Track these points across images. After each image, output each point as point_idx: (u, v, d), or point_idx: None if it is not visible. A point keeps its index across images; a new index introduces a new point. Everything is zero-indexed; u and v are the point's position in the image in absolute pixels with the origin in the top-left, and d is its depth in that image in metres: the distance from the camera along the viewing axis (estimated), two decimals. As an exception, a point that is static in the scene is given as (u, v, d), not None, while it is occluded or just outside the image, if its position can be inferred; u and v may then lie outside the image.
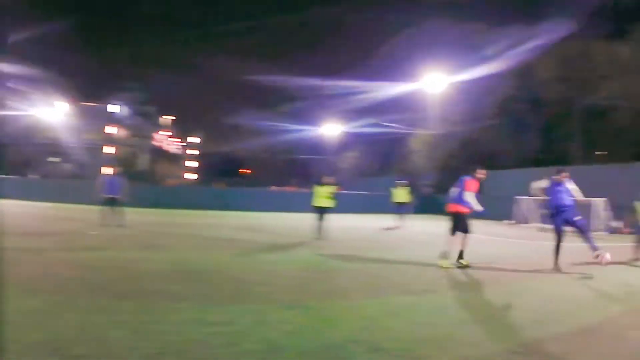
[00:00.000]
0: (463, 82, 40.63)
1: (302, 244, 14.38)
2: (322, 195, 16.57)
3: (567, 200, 10.99)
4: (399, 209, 23.01)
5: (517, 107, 40.40)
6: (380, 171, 55.75)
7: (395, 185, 23.52)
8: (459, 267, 11.03)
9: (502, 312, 6.86)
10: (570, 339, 5.65)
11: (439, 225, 25.10)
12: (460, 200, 11.43)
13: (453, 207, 11.57)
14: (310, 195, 16.93)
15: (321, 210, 16.50)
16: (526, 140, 41.07)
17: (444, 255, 11.25)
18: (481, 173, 11.80)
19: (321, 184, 16.74)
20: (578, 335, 5.85)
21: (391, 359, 4.71)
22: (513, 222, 27.14)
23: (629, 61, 34.19)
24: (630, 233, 21.00)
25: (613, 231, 21.53)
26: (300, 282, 8.42)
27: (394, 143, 50.98)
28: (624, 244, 15.81)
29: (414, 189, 41.03)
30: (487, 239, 18.36)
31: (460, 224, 11.49)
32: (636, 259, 12.45)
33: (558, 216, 10.78)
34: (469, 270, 10.61)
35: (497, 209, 29.38)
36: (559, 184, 11.11)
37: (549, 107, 39.10)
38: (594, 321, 6.59)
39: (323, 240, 15.59)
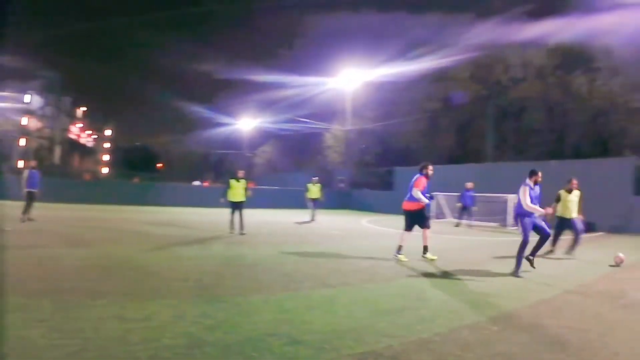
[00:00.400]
0: (379, 80, 41.17)
1: (218, 239, 14.26)
2: (238, 190, 16.44)
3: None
4: (312, 204, 23.19)
5: (432, 105, 41.39)
6: (294, 167, 55.89)
7: (310, 181, 23.66)
8: (425, 259, 11.64)
9: (418, 304, 6.95)
10: (486, 328, 5.85)
11: (353, 220, 25.56)
12: (412, 197, 11.78)
13: (409, 206, 11.94)
14: (226, 190, 16.73)
15: (236, 205, 16.37)
16: (441, 137, 42.20)
17: (400, 250, 11.63)
18: (431, 170, 12.19)
19: (236, 178, 16.59)
20: (495, 324, 6.03)
21: (310, 351, 4.75)
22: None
23: (542, 65, 35.69)
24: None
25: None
26: (218, 277, 8.33)
27: (309, 139, 51.23)
28: (536, 237, 16.45)
29: (328, 185, 41.56)
30: (400, 232, 18.70)
31: (420, 221, 11.97)
32: (550, 251, 12.95)
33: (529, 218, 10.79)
34: (386, 263, 10.87)
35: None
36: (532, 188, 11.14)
37: (463, 107, 40.26)
38: (510, 310, 6.85)
39: (239, 234, 15.47)
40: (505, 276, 9.82)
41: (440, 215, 27.29)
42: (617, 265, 11.76)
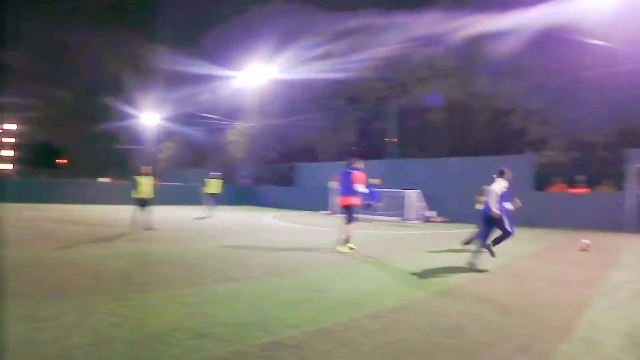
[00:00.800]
0: (284, 76, 41.24)
1: (123, 236, 13.93)
2: (144, 186, 16.17)
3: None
4: (211, 200, 23.16)
5: (337, 103, 41.96)
6: (197, 162, 55.06)
7: (209, 177, 23.57)
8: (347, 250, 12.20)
9: (321, 295, 7.15)
10: (386, 316, 6.09)
11: (256, 216, 25.58)
12: (351, 192, 12.42)
13: (345, 200, 12.55)
14: (130, 187, 16.40)
15: (142, 202, 16.09)
16: (344, 134, 42.88)
17: (340, 242, 12.43)
18: (360, 164, 12.79)
19: (142, 175, 16.29)
20: (395, 312, 6.27)
21: (216, 343, 4.83)
22: (329, 212, 28.17)
23: (446, 67, 36.83)
24: (442, 222, 22.98)
25: (427, 220, 23.30)
26: (124, 274, 8.19)
27: (213, 134, 50.60)
28: (436, 231, 17.29)
29: (231, 181, 41.31)
30: (303, 228, 19.15)
31: (349, 213, 12.52)
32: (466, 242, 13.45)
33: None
34: (289, 257, 11.13)
35: (314, 200, 30.60)
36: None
37: (367, 104, 41.05)
38: (410, 298, 7.12)
39: (144, 231, 15.21)
40: (407, 267, 10.13)
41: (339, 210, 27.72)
42: (584, 250, 13.25)
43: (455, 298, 7.28)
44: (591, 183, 23.92)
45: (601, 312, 6.59)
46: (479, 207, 12.76)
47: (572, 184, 22.68)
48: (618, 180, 22.57)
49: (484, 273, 9.54)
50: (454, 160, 26.03)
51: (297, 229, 18.71)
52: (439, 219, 23.45)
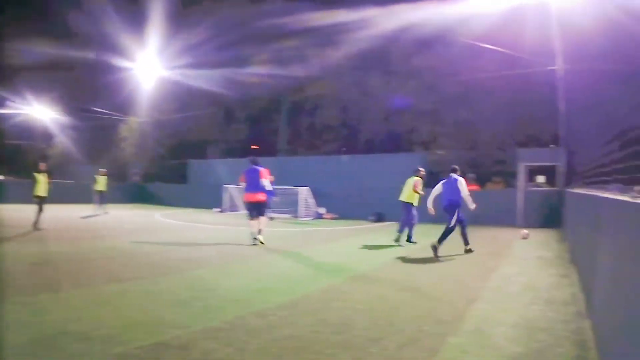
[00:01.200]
0: (177, 70, 40.37)
1: (9, 236, 13.17)
2: (42, 184, 15.47)
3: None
4: (100, 197, 22.48)
5: (228, 99, 41.51)
6: (89, 159, 52.84)
7: (98, 173, 22.83)
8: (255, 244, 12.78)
9: (208, 294, 7.04)
10: (273, 313, 6.06)
11: (147, 214, 24.92)
12: (259, 189, 13.11)
13: (253, 197, 13.18)
14: (28, 185, 15.61)
15: (40, 200, 15.37)
16: (235, 131, 42.60)
17: (254, 235, 13.02)
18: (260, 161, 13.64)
19: (39, 172, 15.56)
20: (282, 309, 6.23)
21: (101, 346, 4.69)
22: (220, 209, 27.86)
23: (337, 64, 37.17)
24: (332, 218, 23.22)
25: (318, 217, 23.49)
26: (8, 276, 7.75)
27: (105, 130, 48.74)
28: (328, 228, 17.51)
29: (122, 178, 40.09)
30: (194, 226, 18.83)
31: (260, 210, 13.27)
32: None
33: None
34: (177, 255, 11.01)
35: (207, 197, 30.21)
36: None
37: (258, 101, 40.91)
38: (299, 295, 7.08)
39: (35, 231, 14.49)
40: (297, 264, 10.18)
41: (233, 207, 27.42)
42: (524, 238, 14.79)
43: (344, 294, 7.28)
44: (482, 181, 24.84)
45: (491, 304, 6.73)
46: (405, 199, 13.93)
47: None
48: (508, 178, 23.62)
49: (372, 268, 9.68)
50: (344, 158, 26.39)
51: (188, 227, 18.39)
52: (329, 216, 23.68)
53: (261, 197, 13.24)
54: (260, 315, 5.96)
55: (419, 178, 14.15)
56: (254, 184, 13.11)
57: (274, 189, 22.57)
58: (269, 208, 22.91)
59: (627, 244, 3.73)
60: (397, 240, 13.77)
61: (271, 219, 22.26)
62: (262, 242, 12.91)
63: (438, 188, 12.72)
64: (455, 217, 11.87)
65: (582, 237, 8.32)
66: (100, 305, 6.26)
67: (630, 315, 3.40)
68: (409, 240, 13.93)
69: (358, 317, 5.93)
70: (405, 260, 11.07)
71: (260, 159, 13.78)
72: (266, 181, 13.21)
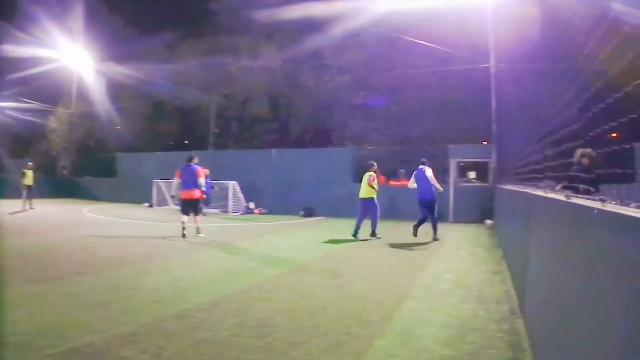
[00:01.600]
0: (106, 63, 39.21)
1: None
2: None
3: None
4: (27, 192, 21.57)
5: (158, 92, 40.57)
6: (18, 152, 50.71)
7: (26, 167, 21.89)
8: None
9: (127, 294, 6.76)
10: (193, 315, 5.77)
11: (74, 209, 24.03)
12: (195, 186, 13.57)
13: (189, 194, 13.59)
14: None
15: None
16: (165, 124, 41.75)
17: (198, 231, 13.68)
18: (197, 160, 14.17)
19: None
20: (202, 311, 5.94)
21: (12, 353, 4.45)
22: (149, 204, 27.06)
23: (270, 57, 36.84)
24: (261, 213, 22.89)
25: (248, 212, 23.06)
26: None
27: (34, 122, 46.84)
28: (257, 223, 17.25)
29: (51, 172, 38.70)
30: (122, 222, 18.08)
31: (195, 207, 13.88)
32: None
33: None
34: (101, 253, 10.50)
35: (137, 192, 29.39)
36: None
37: (189, 94, 40.16)
38: (222, 295, 6.80)
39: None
40: (223, 261, 9.88)
41: (162, 202, 26.68)
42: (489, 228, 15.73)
43: (268, 293, 7.03)
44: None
45: (420, 303, 6.56)
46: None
47: (392, 176, 23.44)
48: (440, 173, 23.76)
49: (299, 264, 9.42)
50: (274, 152, 26.06)
51: (115, 222, 17.73)
52: (258, 211, 23.28)
53: (197, 194, 13.68)
54: (179, 317, 5.72)
55: (373, 173, 14.29)
56: (190, 182, 13.53)
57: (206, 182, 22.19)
58: (211, 203, 22.56)
59: (558, 243, 3.68)
60: (354, 234, 13.95)
61: (204, 214, 21.74)
62: (202, 235, 13.58)
63: (412, 181, 14.21)
64: (436, 208, 13.93)
65: (513, 234, 8.30)
66: (16, 308, 5.87)
67: (563, 315, 3.30)
68: (373, 235, 14.10)
69: (281, 319, 5.70)
70: (334, 257, 10.84)
71: (195, 155, 14.32)
72: (202, 179, 13.70)
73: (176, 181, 13.84)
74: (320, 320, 5.65)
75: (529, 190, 6.17)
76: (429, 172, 13.91)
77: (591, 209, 2.66)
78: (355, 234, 13.91)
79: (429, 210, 13.82)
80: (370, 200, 14.18)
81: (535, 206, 5.32)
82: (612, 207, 2.50)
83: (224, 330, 5.26)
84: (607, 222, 2.44)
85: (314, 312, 6.01)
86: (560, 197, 3.93)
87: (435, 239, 13.56)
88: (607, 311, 2.32)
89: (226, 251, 11.32)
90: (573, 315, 2.99)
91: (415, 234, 13.78)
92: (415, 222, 14.06)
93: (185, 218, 13.46)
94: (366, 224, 14.08)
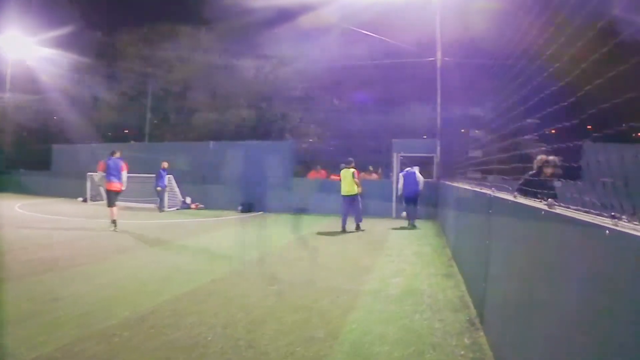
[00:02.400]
0: (40, 50, 37.60)
1: None
2: None
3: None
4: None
5: (95, 81, 39.21)
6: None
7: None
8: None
9: (49, 306, 6.01)
10: (116, 334, 5.15)
11: (5, 205, 22.54)
12: (119, 178, 13.99)
13: (112, 186, 13.92)
14: None
15: None
16: (102, 114, 40.36)
17: (114, 223, 13.66)
18: (118, 154, 14.49)
19: None
20: (127, 328, 5.27)
21: None
22: (84, 199, 25.83)
23: (210, 47, 36.09)
24: (197, 208, 22.04)
25: (185, 206, 22.10)
26: None
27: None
28: (197, 219, 16.47)
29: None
30: (55, 219, 16.82)
31: (113, 199, 14.00)
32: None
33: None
34: (24, 257, 9.51)
35: (72, 185, 28.14)
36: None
37: (125, 83, 38.97)
38: (149, 307, 6.07)
39: None
40: (153, 264, 9.10)
41: (97, 197, 25.49)
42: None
43: (201, 304, 6.34)
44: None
45: (369, 313, 6.01)
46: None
47: (334, 171, 22.99)
48: (384, 168, 23.41)
49: (232, 270, 8.79)
50: (212, 144, 25.23)
51: (47, 220, 16.52)
52: (195, 205, 22.31)
53: (120, 186, 14.06)
54: (101, 337, 5.03)
55: (354, 169, 14.83)
56: (114, 174, 13.94)
57: (165, 175, 21.17)
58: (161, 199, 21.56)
59: (523, 248, 3.50)
60: (343, 229, 14.55)
61: (162, 211, 20.68)
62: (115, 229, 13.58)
63: (401, 180, 16.15)
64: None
65: (466, 235, 7.91)
66: None
67: (529, 327, 3.08)
68: (358, 229, 14.76)
69: (215, 336, 5.09)
70: (272, 258, 10.21)
71: (120, 147, 15.04)
72: (124, 173, 14.14)
73: (100, 174, 14.23)
74: (258, 338, 5.04)
75: (490, 192, 5.71)
76: (419, 175, 16.09)
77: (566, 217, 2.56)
78: (344, 229, 14.54)
79: (414, 204, 16.13)
80: (355, 197, 14.73)
81: (498, 210, 4.89)
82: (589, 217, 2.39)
83: (149, 352, 4.65)
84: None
85: (251, 327, 5.39)
86: (535, 203, 3.57)
87: (412, 225, 15.81)
88: (579, 323, 2.28)
89: (157, 252, 10.49)
90: (539, 327, 2.82)
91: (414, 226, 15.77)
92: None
93: (114, 210, 13.81)
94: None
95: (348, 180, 14.60)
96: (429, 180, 18.92)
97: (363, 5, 23.64)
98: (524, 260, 3.37)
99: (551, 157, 6.06)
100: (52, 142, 35.38)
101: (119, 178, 13.99)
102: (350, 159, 15.16)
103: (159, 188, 20.87)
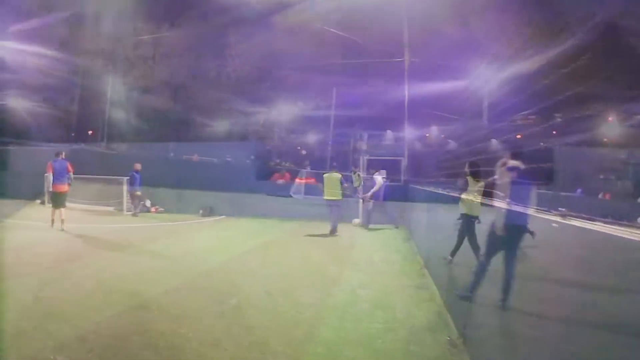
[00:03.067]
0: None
1: None
2: None
3: None
4: None
5: (55, 77, 38.20)
6: None
7: None
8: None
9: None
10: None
11: None
12: (66, 180, 13.94)
13: (60, 187, 13.83)
14: None
15: None
16: (62, 114, 39.37)
17: (62, 223, 13.44)
18: (63, 155, 14.36)
19: None
20: (66, 350, 4.50)
21: None
22: (41, 201, 24.67)
23: (173, 45, 35.43)
24: (157, 212, 21.09)
25: (145, 210, 21.10)
26: None
27: None
28: (158, 223, 15.71)
29: None
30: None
31: (64, 200, 13.99)
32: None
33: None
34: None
35: (28, 187, 27.09)
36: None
37: (86, 82, 38.07)
38: (93, 324, 5.27)
39: None
40: (100, 275, 7.99)
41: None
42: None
43: (151, 322, 5.52)
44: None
45: (335, 333, 5.33)
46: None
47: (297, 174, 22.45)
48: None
49: (185, 281, 7.96)
50: (172, 145, 24.48)
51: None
52: (154, 209, 21.11)
53: (66, 188, 14.01)
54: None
55: (340, 174, 15.01)
56: (61, 175, 13.84)
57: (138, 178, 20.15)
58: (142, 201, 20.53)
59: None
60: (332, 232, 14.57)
61: (136, 215, 19.48)
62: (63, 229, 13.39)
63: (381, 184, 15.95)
64: None
65: (440, 240, 7.38)
66: None
67: None
68: (332, 234, 14.60)
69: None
70: (230, 266, 9.46)
71: (63, 150, 14.57)
72: (70, 174, 14.00)
73: (49, 175, 14.00)
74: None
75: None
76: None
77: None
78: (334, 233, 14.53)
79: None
80: (338, 202, 14.76)
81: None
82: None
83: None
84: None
85: (202, 351, 4.66)
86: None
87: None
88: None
89: (109, 260, 9.53)
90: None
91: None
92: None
93: (56, 212, 13.68)
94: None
95: (331, 186, 14.54)
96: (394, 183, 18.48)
97: (328, 7, 23.28)
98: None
99: (514, 162, 6.06)
100: (9, 142, 34.30)
101: (64, 180, 13.98)
102: (334, 164, 15.95)
103: (138, 192, 19.70)
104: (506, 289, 6.01)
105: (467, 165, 8.81)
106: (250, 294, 7.09)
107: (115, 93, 37.35)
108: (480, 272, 6.33)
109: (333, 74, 27.02)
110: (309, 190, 19.70)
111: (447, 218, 10.22)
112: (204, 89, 34.54)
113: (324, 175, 14.81)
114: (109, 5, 36.74)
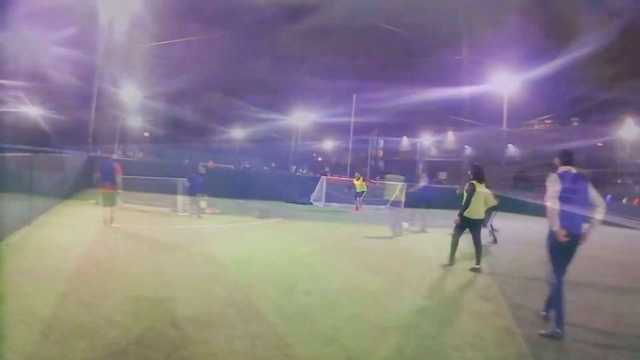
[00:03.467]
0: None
1: None
2: None
3: None
4: None
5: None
6: None
7: None
8: None
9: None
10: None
11: None
12: (114, 181, 14.08)
13: (109, 188, 14.01)
14: None
15: None
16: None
17: (112, 221, 13.73)
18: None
19: None
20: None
21: None
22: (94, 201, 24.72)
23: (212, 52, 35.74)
24: (214, 214, 21.08)
25: (202, 212, 21.21)
26: None
27: None
28: (218, 225, 15.98)
29: None
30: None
31: (114, 199, 14.20)
32: None
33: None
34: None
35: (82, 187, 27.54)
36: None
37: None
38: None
39: None
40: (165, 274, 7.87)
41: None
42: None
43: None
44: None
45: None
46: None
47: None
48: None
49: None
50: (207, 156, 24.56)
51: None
52: (210, 211, 20.39)
53: (114, 188, 14.14)
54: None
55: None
56: (110, 175, 14.11)
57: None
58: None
59: None
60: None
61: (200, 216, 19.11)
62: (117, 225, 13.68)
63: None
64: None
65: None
66: None
67: None
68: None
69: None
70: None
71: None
72: (119, 175, 14.22)
73: (97, 175, 14.68)
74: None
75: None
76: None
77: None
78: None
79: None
80: (400, 203, 15.23)
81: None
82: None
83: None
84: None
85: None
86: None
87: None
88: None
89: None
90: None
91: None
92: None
93: (106, 210, 13.93)
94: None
95: (394, 188, 15.06)
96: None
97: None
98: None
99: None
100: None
101: (112, 180, 14.22)
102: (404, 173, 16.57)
103: (205, 197, 19.15)
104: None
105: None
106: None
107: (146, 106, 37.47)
108: (558, 293, 5.98)
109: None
110: (330, 198, 19.64)
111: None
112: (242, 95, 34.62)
113: (386, 177, 15.00)
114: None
